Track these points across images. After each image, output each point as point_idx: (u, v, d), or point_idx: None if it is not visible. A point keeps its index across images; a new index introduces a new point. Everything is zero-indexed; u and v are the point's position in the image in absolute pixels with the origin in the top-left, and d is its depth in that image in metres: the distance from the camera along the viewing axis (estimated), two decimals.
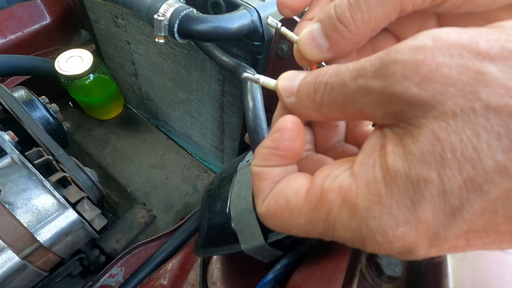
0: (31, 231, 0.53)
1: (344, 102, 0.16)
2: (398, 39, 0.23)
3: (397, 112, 0.14)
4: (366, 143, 0.16)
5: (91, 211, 0.61)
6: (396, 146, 0.14)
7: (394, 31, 0.22)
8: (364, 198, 0.14)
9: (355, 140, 0.23)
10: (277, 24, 0.20)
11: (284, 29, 0.20)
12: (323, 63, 0.21)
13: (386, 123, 0.16)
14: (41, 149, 0.63)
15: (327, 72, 0.17)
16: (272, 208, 0.18)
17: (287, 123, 0.18)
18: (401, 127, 0.15)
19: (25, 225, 0.53)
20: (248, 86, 0.52)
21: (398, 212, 0.14)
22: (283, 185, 0.18)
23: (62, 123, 0.76)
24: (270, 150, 0.19)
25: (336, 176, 0.16)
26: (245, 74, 0.22)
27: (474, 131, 0.12)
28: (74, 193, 0.61)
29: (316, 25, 0.20)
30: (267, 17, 0.20)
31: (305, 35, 0.20)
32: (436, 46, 0.13)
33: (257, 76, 0.21)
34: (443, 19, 0.21)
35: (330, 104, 0.17)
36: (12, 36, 0.92)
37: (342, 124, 0.23)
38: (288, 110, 0.20)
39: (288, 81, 0.19)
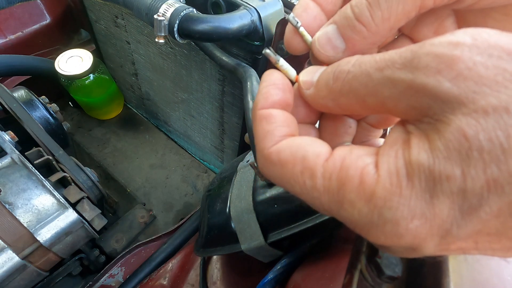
0: (31, 231, 0.53)
1: (366, 93, 0.16)
2: (415, 42, 0.22)
3: (423, 107, 0.14)
4: (388, 137, 0.16)
5: (91, 211, 0.61)
6: (422, 141, 0.14)
7: (410, 34, 0.22)
8: (384, 187, 0.14)
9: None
10: (297, 22, 0.20)
11: (302, 29, 0.20)
12: None
13: (408, 117, 0.15)
14: (41, 149, 0.63)
15: (350, 61, 0.17)
16: (285, 156, 0.17)
17: (271, 69, 0.20)
18: (425, 123, 0.14)
19: (25, 225, 0.53)
20: (248, 86, 0.52)
21: (415, 204, 0.14)
22: (306, 142, 0.17)
23: (62, 123, 0.76)
24: (268, 85, 0.19)
25: (359, 155, 0.16)
26: (267, 51, 0.21)
27: (505, 132, 0.12)
28: (74, 193, 0.61)
29: (331, 26, 0.19)
30: (289, 13, 0.20)
31: (320, 36, 0.20)
32: (475, 45, 0.13)
33: (278, 57, 0.21)
34: (461, 17, 0.21)
35: (350, 95, 0.16)
36: (12, 36, 0.92)
37: (354, 126, 0.23)
38: (307, 102, 0.20)
39: (309, 74, 0.19)
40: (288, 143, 0.17)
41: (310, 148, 0.17)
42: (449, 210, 0.13)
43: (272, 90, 0.19)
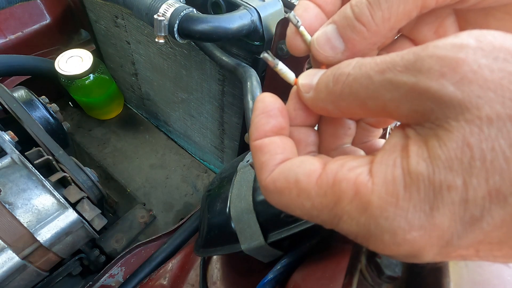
0: (31, 231, 0.53)
1: (366, 97, 0.15)
2: (415, 43, 0.22)
3: (425, 111, 0.14)
4: (386, 142, 0.16)
5: (91, 211, 0.61)
6: (421, 148, 0.14)
7: (409, 35, 0.22)
8: (380, 196, 0.14)
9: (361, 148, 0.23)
10: (297, 21, 0.20)
11: (302, 29, 0.20)
12: None
13: (409, 121, 0.15)
14: (41, 149, 0.63)
15: (350, 64, 0.16)
16: (280, 183, 0.17)
17: (264, 93, 0.20)
18: (427, 128, 0.14)
19: (25, 225, 0.53)
20: (248, 86, 0.52)
21: (413, 216, 0.13)
22: (296, 165, 0.17)
23: (62, 123, 0.76)
24: (260, 115, 0.19)
25: (352, 167, 0.15)
26: (265, 55, 0.21)
27: (508, 141, 0.12)
28: (74, 193, 0.61)
29: (330, 26, 0.19)
30: (291, 12, 0.20)
31: (319, 36, 0.19)
32: (480, 47, 0.13)
33: (276, 61, 0.21)
34: (461, 16, 0.20)
35: (350, 98, 0.16)
36: (12, 36, 0.92)
37: (353, 128, 0.22)
38: (306, 106, 0.20)
39: (308, 77, 0.19)
40: (280, 169, 0.18)
41: (301, 170, 0.17)
42: (450, 222, 0.13)
43: (263, 119, 0.19)
